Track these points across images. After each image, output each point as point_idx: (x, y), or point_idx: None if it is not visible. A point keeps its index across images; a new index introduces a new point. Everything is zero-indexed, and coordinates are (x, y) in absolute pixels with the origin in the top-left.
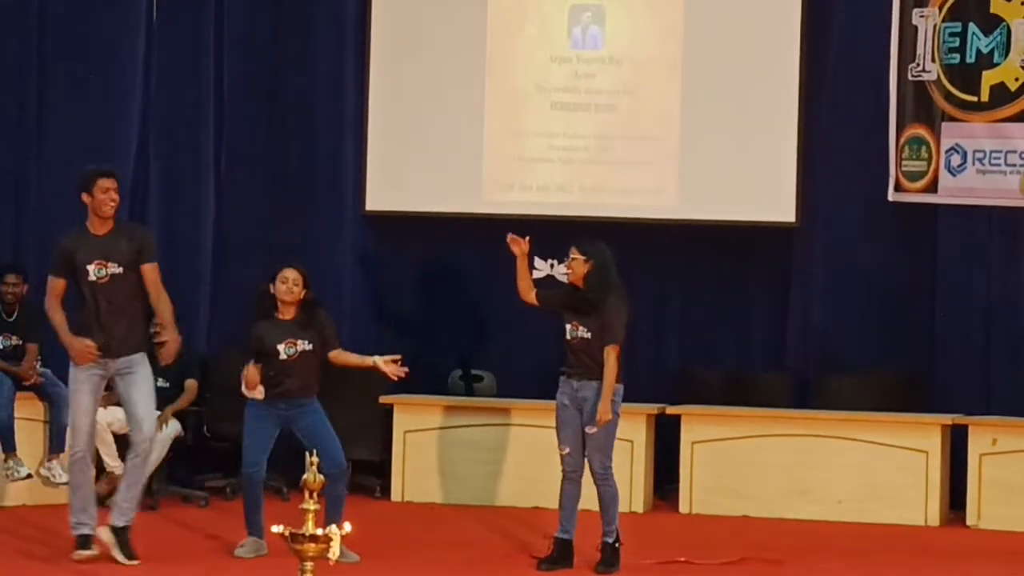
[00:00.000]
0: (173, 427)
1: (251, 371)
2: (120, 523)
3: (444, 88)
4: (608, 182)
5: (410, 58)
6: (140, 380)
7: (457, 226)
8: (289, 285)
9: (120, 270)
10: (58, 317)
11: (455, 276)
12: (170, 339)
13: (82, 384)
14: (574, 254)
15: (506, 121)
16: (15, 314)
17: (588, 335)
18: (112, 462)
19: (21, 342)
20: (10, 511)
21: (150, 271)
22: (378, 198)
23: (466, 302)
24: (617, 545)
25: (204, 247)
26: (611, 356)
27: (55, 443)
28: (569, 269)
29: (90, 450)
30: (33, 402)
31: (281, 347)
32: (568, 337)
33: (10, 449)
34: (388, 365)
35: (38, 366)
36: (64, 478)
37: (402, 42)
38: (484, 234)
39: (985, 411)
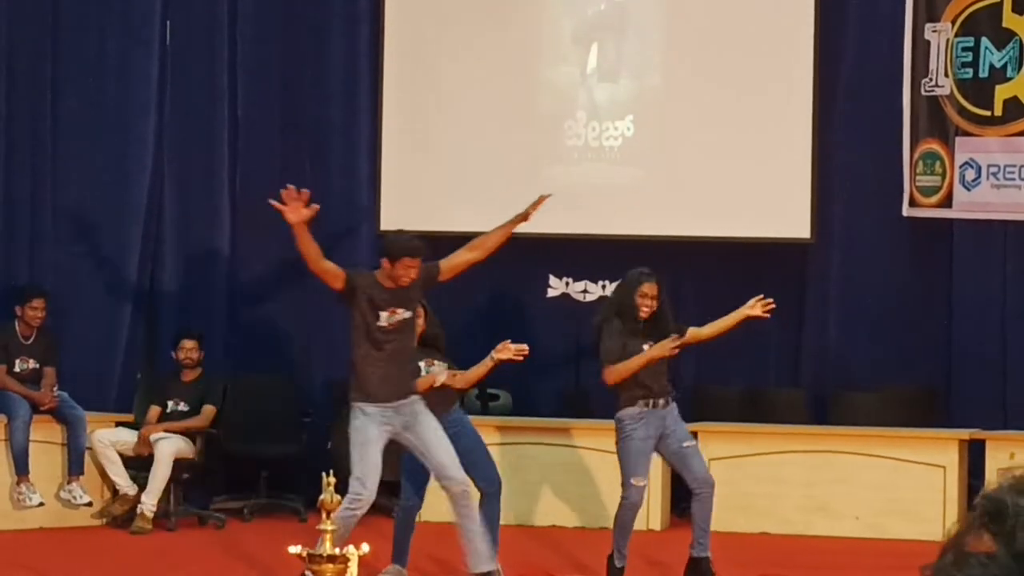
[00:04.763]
0: (174, 446)
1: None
2: (488, 567)
3: (458, 108)
4: (622, 200)
5: (424, 78)
6: (426, 426)
7: None
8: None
9: (408, 315)
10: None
11: (470, 295)
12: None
13: (369, 439)
14: (655, 287)
15: (520, 141)
16: (32, 337)
17: None
18: (122, 482)
19: (39, 365)
20: (28, 534)
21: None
22: (393, 218)
23: (481, 321)
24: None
25: (220, 268)
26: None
27: (74, 466)
28: (655, 301)
29: (370, 500)
30: (51, 425)
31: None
32: None
33: (23, 472)
34: (503, 353)
35: (55, 390)
36: (85, 499)
37: (416, 63)
38: (499, 253)
39: (1002, 426)
